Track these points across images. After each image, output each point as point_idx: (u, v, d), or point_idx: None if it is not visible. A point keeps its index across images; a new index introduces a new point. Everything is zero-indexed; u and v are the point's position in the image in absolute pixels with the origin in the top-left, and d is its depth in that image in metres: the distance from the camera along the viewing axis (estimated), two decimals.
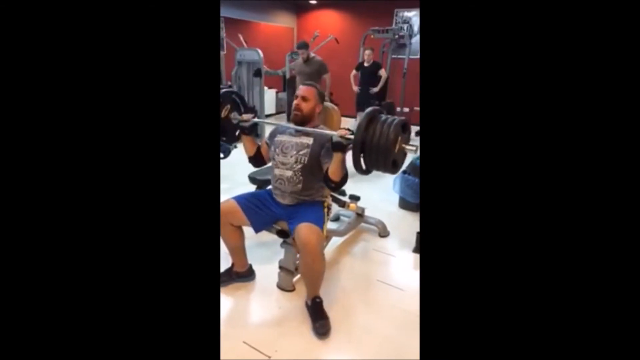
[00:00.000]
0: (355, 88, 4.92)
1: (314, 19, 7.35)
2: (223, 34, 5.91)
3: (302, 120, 1.55)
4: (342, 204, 2.21)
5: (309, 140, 1.54)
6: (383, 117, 1.34)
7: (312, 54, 3.82)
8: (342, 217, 2.46)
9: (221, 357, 1.37)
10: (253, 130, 1.66)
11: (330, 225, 2.34)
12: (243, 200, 1.58)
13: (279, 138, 1.61)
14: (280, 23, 7.28)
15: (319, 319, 1.49)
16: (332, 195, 1.99)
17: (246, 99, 4.33)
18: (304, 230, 1.39)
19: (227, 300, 1.67)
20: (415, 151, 1.34)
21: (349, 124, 3.78)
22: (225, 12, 5.92)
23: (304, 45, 3.77)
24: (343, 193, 2.38)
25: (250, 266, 1.76)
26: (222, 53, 5.72)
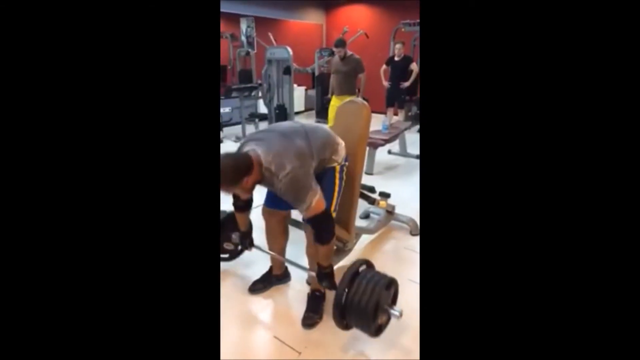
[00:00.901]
0: (386, 83, 4.84)
1: (343, 15, 7.29)
2: (253, 33, 6.01)
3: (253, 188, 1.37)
4: (372, 201, 2.19)
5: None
6: (368, 276, 1.25)
7: (350, 52, 3.75)
8: (372, 215, 2.43)
9: (252, 352, 1.41)
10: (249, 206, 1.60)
11: (360, 222, 2.32)
12: (268, 199, 1.62)
13: None
14: (309, 20, 7.29)
15: (310, 311, 1.54)
16: (361, 192, 1.97)
17: (276, 96, 4.38)
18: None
19: (258, 296, 1.70)
20: (399, 317, 1.23)
21: (379, 120, 3.72)
22: (255, 11, 6.02)
23: (341, 43, 3.68)
24: (373, 190, 2.35)
25: (286, 268, 1.79)
26: (253, 52, 5.82)
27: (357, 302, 1.19)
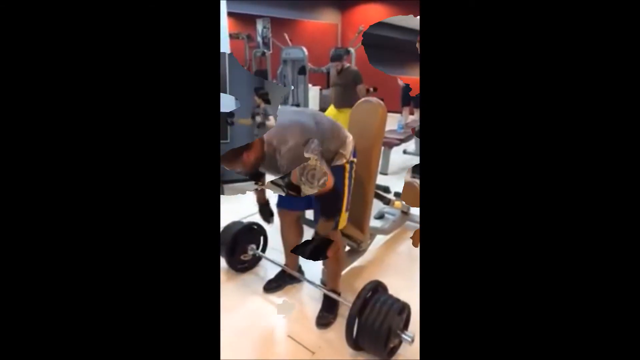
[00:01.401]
0: (401, 82, 4.79)
1: (359, 14, 7.26)
2: (269, 33, 6.05)
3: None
4: (387, 202, 2.17)
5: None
6: (382, 299, 1.29)
7: (347, 65, 3.58)
8: (386, 215, 2.41)
9: (266, 351, 1.42)
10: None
11: (375, 223, 2.30)
12: (282, 198, 1.63)
13: None
14: (325, 20, 7.29)
15: (324, 310, 1.55)
16: (376, 192, 1.96)
17: (291, 96, 4.40)
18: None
19: (273, 295, 1.71)
20: (411, 342, 1.26)
21: (395, 119, 3.68)
22: (271, 11, 6.06)
23: (337, 57, 3.52)
24: (387, 190, 2.33)
25: (300, 267, 1.80)
26: (269, 52, 5.87)
27: (370, 328, 1.23)
